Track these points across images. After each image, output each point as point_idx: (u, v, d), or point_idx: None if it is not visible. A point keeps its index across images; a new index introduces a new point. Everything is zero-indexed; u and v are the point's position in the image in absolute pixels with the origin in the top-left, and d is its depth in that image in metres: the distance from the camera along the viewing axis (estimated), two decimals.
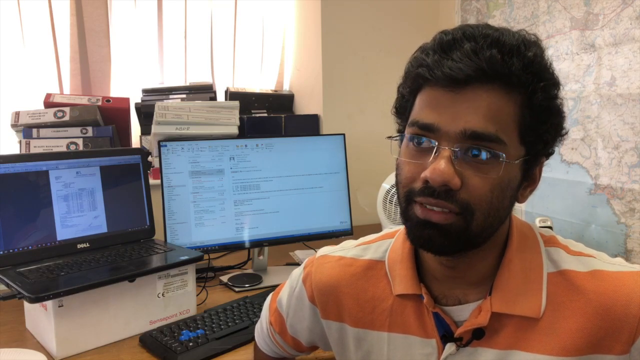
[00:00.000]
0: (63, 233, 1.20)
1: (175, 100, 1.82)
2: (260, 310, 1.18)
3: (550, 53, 1.52)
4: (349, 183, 1.58)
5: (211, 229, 1.41)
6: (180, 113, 1.59)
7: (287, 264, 1.61)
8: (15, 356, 1.04)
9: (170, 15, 1.98)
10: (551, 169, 1.52)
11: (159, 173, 1.38)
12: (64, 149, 1.54)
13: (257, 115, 2.00)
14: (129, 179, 1.31)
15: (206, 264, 1.48)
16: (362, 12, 2.01)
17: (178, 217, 1.38)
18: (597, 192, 1.41)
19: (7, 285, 1.03)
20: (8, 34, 1.75)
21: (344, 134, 1.59)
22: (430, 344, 0.70)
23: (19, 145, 1.56)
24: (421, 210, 0.61)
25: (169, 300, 1.19)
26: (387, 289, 0.74)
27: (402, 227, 0.73)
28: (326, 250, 0.83)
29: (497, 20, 1.75)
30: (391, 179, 1.62)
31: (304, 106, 2.12)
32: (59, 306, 1.03)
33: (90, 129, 1.59)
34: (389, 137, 0.69)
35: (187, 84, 2.00)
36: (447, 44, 0.60)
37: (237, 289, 1.39)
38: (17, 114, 1.56)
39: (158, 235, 1.36)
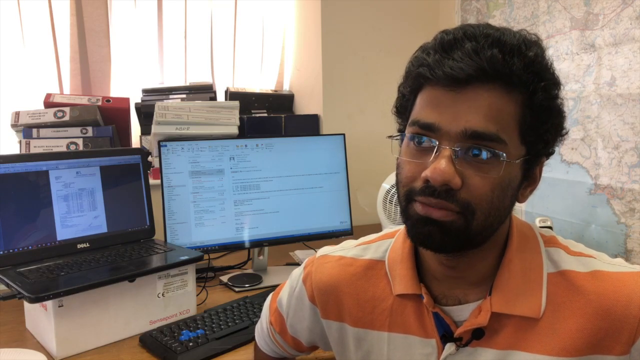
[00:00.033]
0: (63, 233, 1.20)
1: (175, 100, 1.82)
2: (260, 310, 1.18)
3: (550, 53, 1.50)
4: (349, 183, 1.58)
5: (211, 229, 1.41)
6: (180, 113, 1.59)
7: (287, 264, 1.61)
8: (15, 356, 1.03)
9: (170, 15, 1.98)
10: (551, 169, 1.52)
11: (159, 173, 1.38)
12: (64, 149, 1.54)
13: (257, 115, 2.00)
14: (129, 179, 1.31)
15: (206, 264, 1.48)
16: (362, 12, 2.01)
17: (178, 217, 1.38)
18: (597, 192, 1.41)
19: (7, 285, 1.03)
20: (8, 34, 1.75)
21: (344, 134, 1.59)
22: (430, 343, 0.70)
23: (19, 145, 1.56)
24: (422, 207, 0.61)
25: (169, 300, 1.19)
26: (387, 289, 0.74)
27: (402, 227, 0.73)
28: (326, 250, 0.83)
29: (497, 20, 1.75)
30: (391, 179, 1.62)
31: (304, 106, 2.12)
32: (59, 306, 1.03)
33: (90, 129, 1.59)
34: (390, 137, 0.69)
35: (187, 84, 2.00)
36: (448, 44, 0.60)
37: (237, 289, 1.39)
38: (17, 114, 1.56)
39: (158, 235, 1.36)
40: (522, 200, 0.67)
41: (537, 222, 1.42)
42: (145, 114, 1.78)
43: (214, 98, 1.92)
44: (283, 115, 1.99)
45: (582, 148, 1.45)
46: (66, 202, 1.20)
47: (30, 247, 1.15)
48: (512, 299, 0.65)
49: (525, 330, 0.65)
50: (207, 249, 1.39)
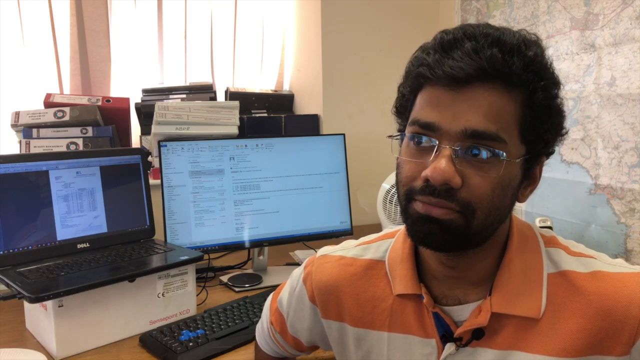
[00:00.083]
0: (63, 233, 1.20)
1: (175, 100, 1.82)
2: (260, 310, 1.18)
3: (550, 53, 1.50)
4: (349, 183, 1.58)
5: (211, 229, 1.41)
6: (180, 113, 1.59)
7: (287, 264, 1.61)
8: (15, 356, 1.03)
9: (170, 15, 1.98)
10: (551, 169, 1.52)
11: (159, 173, 1.38)
12: (64, 149, 1.54)
13: (257, 115, 2.00)
14: (129, 179, 1.31)
15: (206, 264, 1.48)
16: (362, 12, 2.01)
17: (178, 217, 1.38)
18: (597, 192, 1.41)
19: (7, 285, 1.03)
20: (8, 34, 1.75)
21: (344, 134, 1.59)
22: (430, 343, 0.70)
23: (19, 145, 1.56)
24: (422, 205, 0.61)
25: (169, 300, 1.19)
26: (387, 289, 0.74)
27: (402, 227, 0.73)
28: (326, 250, 0.83)
29: (497, 20, 1.75)
30: (391, 179, 1.62)
31: (304, 106, 2.12)
32: (59, 306, 1.03)
33: (90, 129, 1.59)
34: (390, 136, 0.69)
35: (187, 84, 2.00)
36: (448, 43, 0.60)
37: (237, 289, 1.39)
38: (17, 114, 1.56)
39: (158, 235, 1.36)
40: (522, 199, 0.67)
41: (537, 222, 1.42)
42: (145, 114, 1.78)
43: (214, 98, 1.92)
44: (283, 115, 1.99)
45: (582, 148, 1.45)
46: (66, 202, 1.20)
47: (30, 247, 1.15)
48: (512, 299, 0.65)
49: (525, 330, 0.65)
50: (207, 249, 1.39)
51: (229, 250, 1.51)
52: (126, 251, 1.23)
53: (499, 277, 0.67)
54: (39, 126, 1.56)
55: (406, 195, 0.63)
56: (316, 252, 0.85)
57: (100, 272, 1.10)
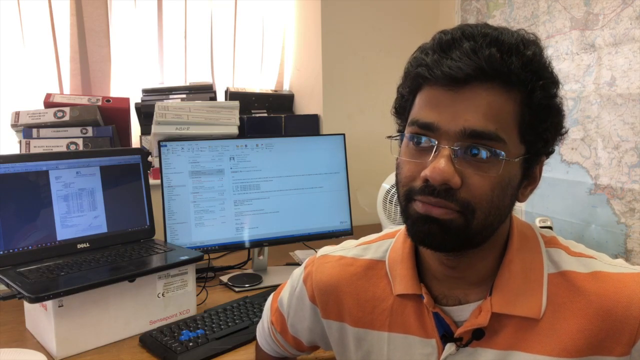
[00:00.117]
0: (63, 233, 1.20)
1: (175, 100, 1.82)
2: (260, 310, 1.18)
3: (550, 53, 1.52)
4: (349, 183, 1.58)
5: (211, 229, 1.41)
6: (180, 113, 1.59)
7: (287, 264, 1.61)
8: (15, 356, 1.03)
9: (170, 15, 1.98)
10: (551, 169, 1.52)
11: (159, 173, 1.38)
12: (64, 149, 1.54)
13: (257, 115, 2.00)
14: (129, 179, 1.31)
15: (206, 264, 1.48)
16: (362, 12, 2.01)
17: (178, 217, 1.38)
18: (597, 192, 1.41)
19: (7, 285, 1.03)
20: (8, 34, 1.75)
21: (344, 134, 1.59)
22: (430, 344, 0.70)
23: (19, 145, 1.56)
24: (421, 205, 0.61)
25: (169, 300, 1.19)
26: (387, 289, 0.74)
27: (402, 227, 0.73)
28: (327, 250, 0.83)
29: (497, 20, 1.75)
30: (391, 179, 1.62)
31: (304, 106, 2.12)
32: (59, 306, 1.03)
33: (90, 129, 1.59)
34: (389, 137, 0.69)
35: (187, 84, 2.00)
36: (446, 44, 0.60)
37: (237, 289, 1.39)
38: (17, 114, 1.56)
39: (158, 235, 1.36)
40: (522, 199, 0.67)
41: (537, 222, 1.42)
42: (145, 114, 1.78)
43: (214, 98, 1.92)
44: (283, 115, 1.99)
45: (582, 148, 1.45)
46: (66, 202, 1.20)
47: (30, 247, 1.15)
48: (512, 299, 0.65)
49: (525, 330, 0.65)
50: (207, 249, 1.39)
51: (229, 250, 1.51)
52: (126, 251, 1.23)
53: (499, 277, 0.67)
54: (39, 126, 1.56)
55: (406, 196, 0.63)
56: (316, 252, 0.85)
57: (100, 272, 1.10)
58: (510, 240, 0.68)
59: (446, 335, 0.68)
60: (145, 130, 1.81)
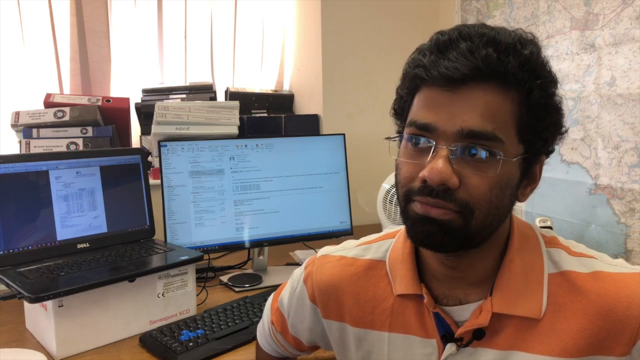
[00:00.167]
0: (63, 233, 1.20)
1: (175, 100, 1.82)
2: (260, 310, 1.18)
3: (550, 53, 1.52)
4: (349, 183, 1.58)
5: (211, 229, 1.41)
6: (180, 113, 1.59)
7: (287, 264, 1.61)
8: (15, 356, 1.03)
9: (170, 15, 1.98)
10: (551, 169, 1.52)
11: (159, 173, 1.38)
12: (64, 149, 1.54)
13: (257, 115, 2.00)
14: (129, 179, 1.31)
15: (206, 264, 1.48)
16: (362, 12, 2.01)
17: (178, 217, 1.38)
18: (597, 192, 1.41)
19: (7, 285, 1.03)
20: (8, 34, 1.75)
21: (344, 134, 1.59)
22: (431, 344, 0.70)
23: (19, 145, 1.56)
24: (420, 206, 0.61)
25: (169, 300, 1.19)
26: (387, 289, 0.74)
27: (402, 227, 0.73)
28: (327, 250, 0.83)
29: (497, 20, 1.75)
30: (391, 179, 1.62)
31: (304, 106, 2.12)
32: (59, 306, 1.03)
33: (90, 129, 1.59)
34: (388, 138, 0.69)
35: (187, 84, 2.00)
36: (443, 44, 0.60)
37: (237, 289, 1.39)
38: (17, 114, 1.56)
39: (158, 235, 1.36)
40: (522, 199, 0.67)
41: (537, 222, 1.42)
42: (145, 114, 1.78)
43: (214, 98, 1.92)
44: (283, 115, 1.99)
45: (582, 148, 1.45)
46: (66, 202, 1.20)
47: (30, 247, 1.15)
48: (513, 299, 0.65)
49: (526, 330, 0.65)
50: (207, 249, 1.39)
51: (229, 250, 1.51)
52: (126, 251, 1.23)
53: (499, 277, 0.67)
54: (39, 126, 1.56)
55: (405, 196, 0.63)
56: (316, 252, 0.85)
57: (100, 272, 1.10)
58: (510, 240, 0.68)
59: (447, 335, 0.68)
60: (145, 130, 1.81)
